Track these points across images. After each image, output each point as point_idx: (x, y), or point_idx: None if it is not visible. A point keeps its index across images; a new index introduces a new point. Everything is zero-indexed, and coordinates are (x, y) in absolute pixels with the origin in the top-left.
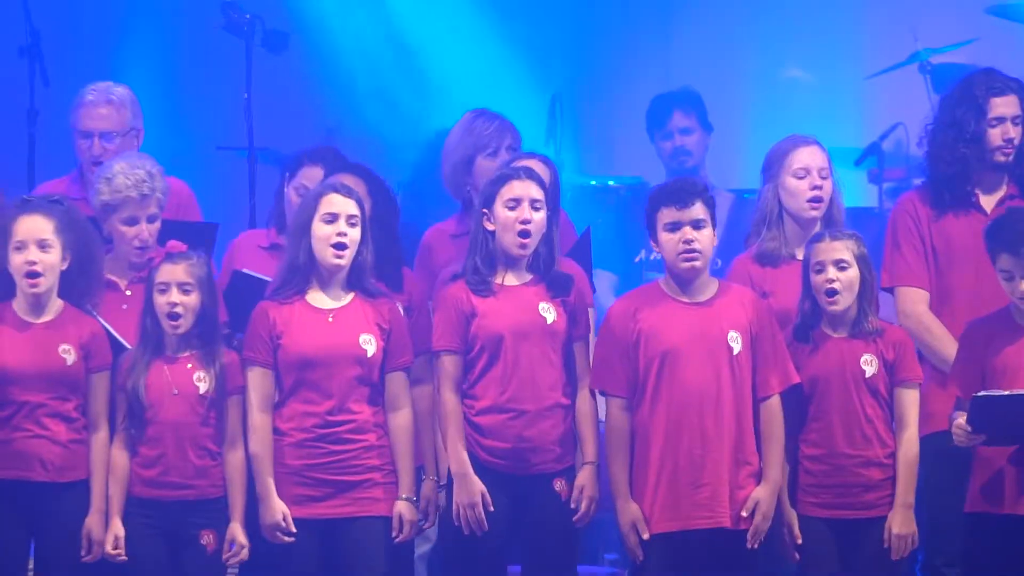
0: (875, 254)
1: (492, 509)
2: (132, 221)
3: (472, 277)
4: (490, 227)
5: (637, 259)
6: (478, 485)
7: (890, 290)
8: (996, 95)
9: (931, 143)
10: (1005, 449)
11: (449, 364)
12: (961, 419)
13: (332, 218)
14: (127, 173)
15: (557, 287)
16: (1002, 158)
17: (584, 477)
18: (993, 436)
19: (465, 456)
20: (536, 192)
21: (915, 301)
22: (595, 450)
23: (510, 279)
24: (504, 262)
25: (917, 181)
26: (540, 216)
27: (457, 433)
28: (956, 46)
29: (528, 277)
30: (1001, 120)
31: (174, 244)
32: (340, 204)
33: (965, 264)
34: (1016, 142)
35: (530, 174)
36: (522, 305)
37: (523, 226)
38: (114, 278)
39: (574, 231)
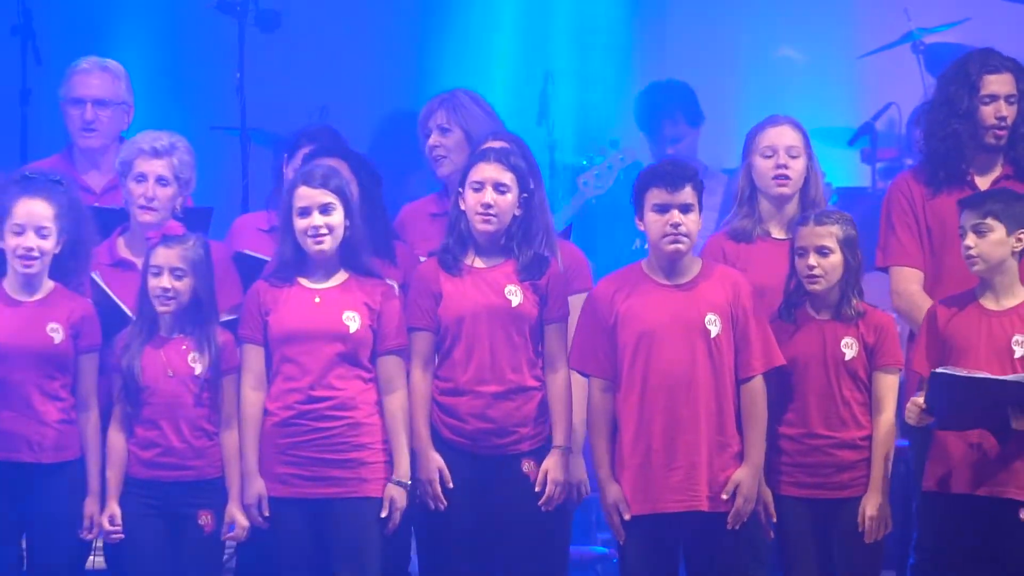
0: (868, 233)
1: (451, 486)
2: (141, 178)
3: (444, 256)
4: (462, 207)
5: (634, 247)
6: (435, 461)
7: (884, 269)
8: (990, 73)
9: (925, 120)
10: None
11: (417, 341)
12: (919, 397)
13: (305, 211)
14: (148, 133)
15: (528, 270)
16: (992, 140)
17: (549, 461)
18: (945, 418)
19: (425, 432)
20: (502, 175)
21: (908, 280)
22: (565, 434)
23: (480, 261)
24: (475, 243)
25: (909, 162)
26: (505, 199)
27: (420, 410)
28: (949, 26)
29: (499, 260)
30: (994, 98)
31: (173, 226)
32: (309, 196)
33: (959, 244)
34: (1009, 122)
35: (500, 156)
36: (487, 287)
37: (483, 209)
38: (131, 257)
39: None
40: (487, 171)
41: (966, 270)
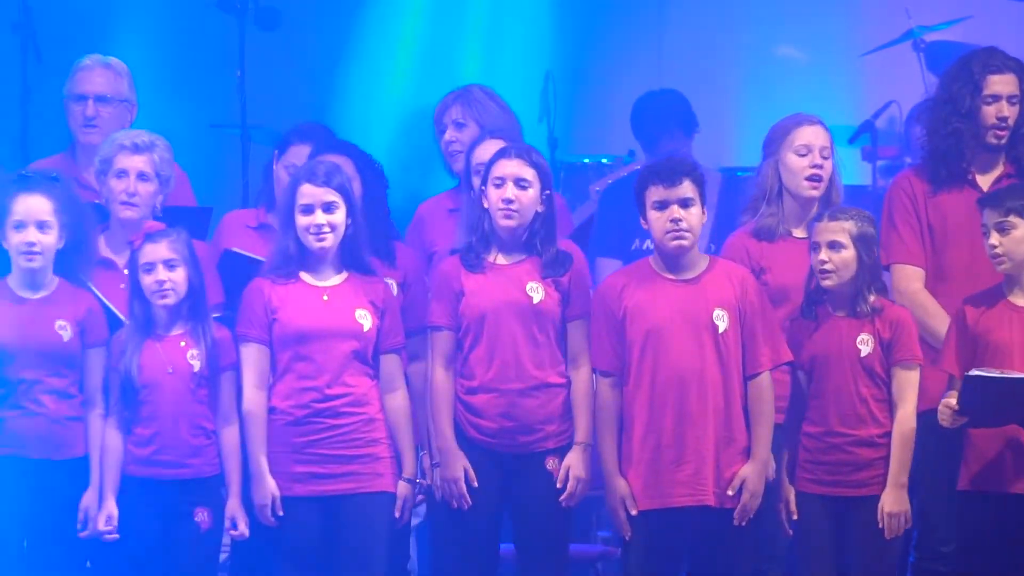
0: None
1: (475, 485)
2: (122, 174)
3: (466, 254)
4: (485, 205)
5: (633, 247)
6: (460, 461)
7: (886, 267)
8: (993, 72)
9: (928, 118)
10: (996, 428)
11: (439, 340)
12: (950, 398)
13: (307, 209)
14: (127, 131)
15: (550, 266)
16: (994, 140)
17: (572, 457)
18: (979, 418)
19: (449, 432)
20: (523, 170)
21: (910, 278)
22: (588, 431)
23: (502, 258)
24: (497, 240)
25: (909, 160)
26: (527, 194)
27: (443, 409)
28: (950, 24)
29: (521, 256)
30: (996, 98)
31: (152, 224)
32: (312, 194)
33: (961, 242)
34: (1011, 122)
35: (521, 152)
36: (509, 284)
37: (504, 205)
38: (111, 256)
39: (570, 220)
40: (508, 167)
41: (968, 267)
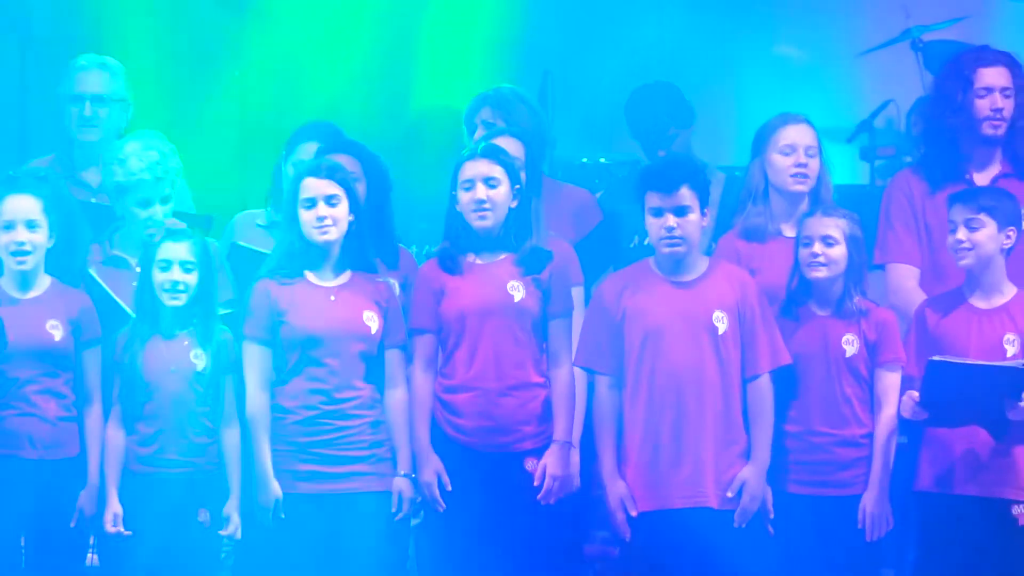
0: (867, 230)
1: (449, 488)
2: (146, 203)
3: (444, 256)
4: (459, 208)
5: (632, 244)
6: (433, 464)
7: (882, 266)
8: (983, 66)
9: (923, 118)
10: (953, 429)
11: (420, 344)
12: (914, 391)
13: (310, 203)
14: (140, 155)
15: (528, 263)
16: (990, 130)
17: (548, 455)
18: (940, 410)
19: (424, 434)
20: (491, 169)
21: (905, 277)
22: (566, 429)
23: (481, 258)
24: (473, 241)
25: (907, 159)
26: (497, 193)
27: (420, 413)
28: (948, 23)
29: (500, 255)
30: (989, 91)
31: (175, 222)
32: (315, 187)
33: None
34: (1006, 114)
35: (487, 152)
36: (489, 283)
37: (476, 206)
38: (124, 255)
39: (599, 213)
40: (474, 168)
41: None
